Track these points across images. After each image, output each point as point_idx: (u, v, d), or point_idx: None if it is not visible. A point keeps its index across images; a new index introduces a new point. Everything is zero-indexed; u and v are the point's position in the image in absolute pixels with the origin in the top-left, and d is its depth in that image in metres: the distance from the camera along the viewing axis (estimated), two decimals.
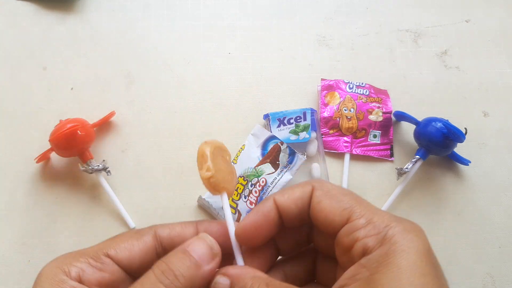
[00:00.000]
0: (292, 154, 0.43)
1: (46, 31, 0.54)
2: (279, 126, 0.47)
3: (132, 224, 0.46)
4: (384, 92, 0.52)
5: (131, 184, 0.48)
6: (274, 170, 0.42)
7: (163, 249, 0.28)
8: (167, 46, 0.54)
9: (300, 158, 0.43)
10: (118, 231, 0.46)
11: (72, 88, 0.52)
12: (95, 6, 0.56)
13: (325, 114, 0.50)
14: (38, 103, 0.51)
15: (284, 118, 0.48)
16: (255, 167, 0.41)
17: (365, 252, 0.23)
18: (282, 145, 0.42)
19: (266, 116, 0.48)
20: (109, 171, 0.47)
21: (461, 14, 0.58)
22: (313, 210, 0.25)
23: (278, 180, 0.42)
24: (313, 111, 0.49)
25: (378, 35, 0.56)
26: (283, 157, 0.43)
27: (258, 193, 0.40)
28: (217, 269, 0.26)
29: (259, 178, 0.41)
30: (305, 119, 0.48)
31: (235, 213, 0.41)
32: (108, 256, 0.26)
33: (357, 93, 0.51)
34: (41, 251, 0.45)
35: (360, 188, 0.49)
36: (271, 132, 0.47)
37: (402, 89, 0.53)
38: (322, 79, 0.52)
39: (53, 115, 0.50)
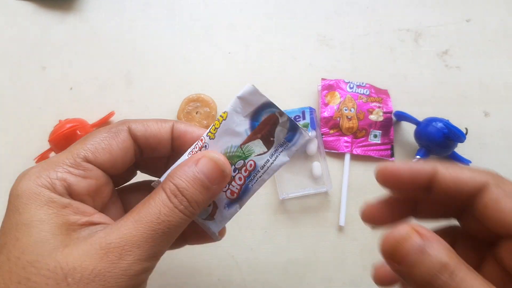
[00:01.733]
0: (293, 129, 0.29)
1: (45, 30, 0.54)
2: None
3: None
4: (385, 92, 0.52)
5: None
6: (266, 150, 0.29)
7: (138, 147, 0.26)
8: (167, 46, 0.54)
9: (303, 135, 0.29)
10: None
11: (71, 88, 0.52)
12: (94, 6, 0.56)
13: (326, 114, 0.50)
14: (37, 103, 0.51)
15: None
16: (241, 145, 0.28)
17: None
18: (281, 116, 0.28)
19: None
20: None
21: (461, 14, 0.58)
22: (487, 208, 0.22)
23: (271, 164, 0.29)
24: (312, 110, 0.48)
25: (378, 35, 0.56)
26: (280, 133, 0.29)
27: (243, 180, 0.28)
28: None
29: (246, 161, 0.28)
30: (304, 118, 0.48)
31: (209, 205, 0.28)
32: (87, 161, 0.24)
33: (358, 93, 0.51)
34: None
35: (360, 188, 0.48)
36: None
37: (403, 89, 0.53)
38: (322, 79, 0.52)
39: (52, 115, 0.50)
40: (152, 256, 0.22)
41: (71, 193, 0.23)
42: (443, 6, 0.58)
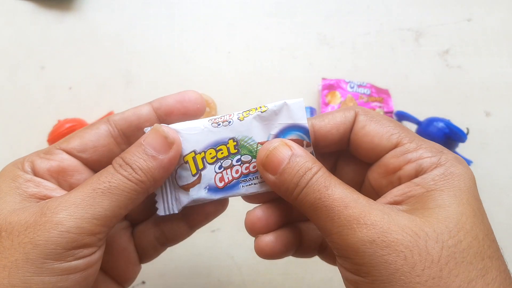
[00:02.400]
0: None
1: (44, 30, 0.54)
2: None
3: None
4: (386, 92, 0.52)
5: None
6: None
7: (123, 134, 0.27)
8: (166, 46, 0.54)
9: None
10: None
11: (70, 88, 0.52)
12: (93, 5, 0.56)
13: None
14: (36, 103, 0.51)
15: None
16: (258, 143, 0.27)
17: (418, 173, 0.23)
18: (307, 146, 0.27)
19: None
20: None
21: (462, 13, 0.57)
22: (357, 134, 0.26)
23: None
24: (312, 110, 0.48)
25: (379, 34, 0.56)
26: None
27: (239, 174, 0.27)
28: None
29: (252, 160, 0.27)
30: None
31: (195, 174, 0.27)
32: (60, 148, 0.26)
33: (358, 92, 0.51)
34: None
35: None
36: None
37: (404, 88, 0.53)
38: (323, 79, 0.52)
39: (51, 115, 0.50)
40: (92, 218, 0.22)
41: (35, 171, 0.25)
42: (444, 5, 0.58)
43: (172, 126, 0.26)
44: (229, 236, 0.46)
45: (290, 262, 0.45)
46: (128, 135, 0.27)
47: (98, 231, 0.23)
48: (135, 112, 0.27)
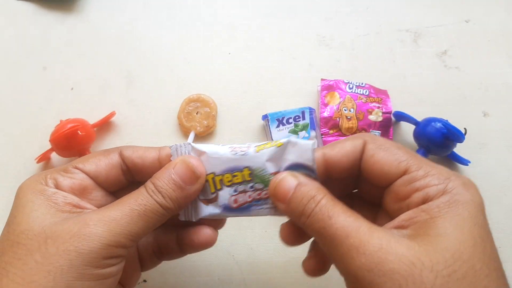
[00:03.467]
0: None
1: (46, 31, 0.54)
2: (278, 126, 0.48)
3: None
4: (384, 92, 0.52)
5: None
6: None
7: (126, 167, 0.30)
8: (167, 46, 0.54)
9: None
10: None
11: (72, 88, 0.52)
12: (95, 6, 0.56)
13: (325, 114, 0.50)
14: (38, 103, 0.51)
15: (283, 118, 0.48)
16: (270, 173, 0.29)
17: (425, 201, 0.24)
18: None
19: (265, 117, 0.49)
20: None
21: (461, 14, 0.58)
22: (367, 162, 0.27)
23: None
24: (311, 110, 0.49)
25: (378, 35, 0.56)
26: None
27: (251, 199, 0.30)
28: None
29: (264, 188, 0.30)
30: (303, 118, 0.48)
31: (213, 193, 0.31)
32: (76, 168, 0.29)
33: (357, 93, 0.51)
34: None
35: None
36: (270, 133, 0.47)
37: (402, 89, 0.53)
38: (322, 79, 0.52)
39: (53, 115, 0.50)
40: (127, 234, 0.25)
41: (58, 187, 0.28)
42: (443, 6, 0.58)
43: (200, 146, 0.30)
44: (230, 234, 0.46)
45: (290, 261, 0.46)
46: (132, 170, 0.31)
47: (130, 245, 0.26)
48: (142, 156, 0.30)
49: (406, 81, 0.54)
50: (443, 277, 0.20)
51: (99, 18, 0.55)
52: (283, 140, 0.29)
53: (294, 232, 0.30)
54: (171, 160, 0.29)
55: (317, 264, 0.31)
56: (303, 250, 0.47)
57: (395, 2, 0.58)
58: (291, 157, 0.29)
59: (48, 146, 0.46)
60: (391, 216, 0.27)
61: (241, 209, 0.31)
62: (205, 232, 0.32)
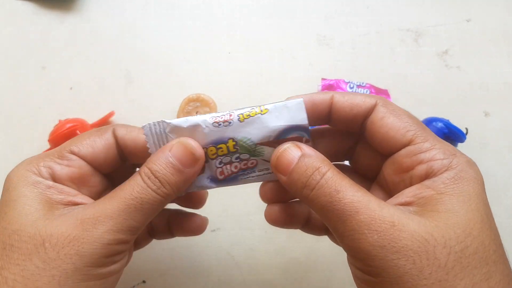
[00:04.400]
0: None
1: (45, 30, 0.54)
2: None
3: None
4: (385, 92, 0.52)
5: None
6: None
7: (120, 148, 0.29)
8: (167, 46, 0.54)
9: None
10: None
11: (71, 88, 0.52)
12: (94, 6, 0.56)
13: None
14: (37, 103, 0.51)
15: None
16: (257, 143, 0.28)
17: (428, 175, 0.24)
18: (306, 142, 0.28)
19: None
20: None
21: (462, 14, 0.58)
22: (374, 124, 0.26)
23: (269, 173, 0.29)
24: None
25: (378, 35, 0.56)
26: None
27: (237, 169, 0.29)
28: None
29: (252, 158, 0.28)
30: None
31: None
32: (72, 152, 0.27)
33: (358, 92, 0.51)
34: None
35: None
36: None
37: (403, 88, 0.53)
38: (322, 79, 0.52)
39: (52, 115, 0.50)
40: (126, 230, 0.24)
41: (54, 178, 0.26)
42: (443, 6, 0.58)
43: (176, 122, 0.28)
44: (229, 235, 0.46)
45: (290, 261, 0.45)
46: (125, 152, 0.29)
47: (130, 239, 0.25)
48: (135, 139, 0.28)
49: (407, 81, 0.54)
50: (456, 253, 0.21)
51: (98, 18, 0.55)
52: (269, 106, 0.27)
53: (274, 189, 0.29)
54: (146, 142, 0.28)
55: (281, 213, 0.30)
56: (303, 250, 0.47)
57: (396, 1, 0.58)
58: (283, 121, 0.27)
59: (47, 146, 0.46)
60: (390, 189, 0.26)
61: (228, 180, 0.29)
62: (195, 220, 0.32)
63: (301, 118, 0.27)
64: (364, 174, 0.30)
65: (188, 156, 0.26)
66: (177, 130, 0.28)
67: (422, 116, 0.48)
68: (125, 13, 0.56)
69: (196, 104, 0.50)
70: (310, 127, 0.28)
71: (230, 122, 0.28)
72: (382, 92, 0.52)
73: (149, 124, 0.28)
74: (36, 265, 0.22)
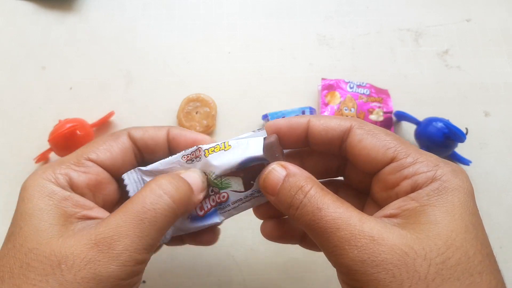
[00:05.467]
0: None
1: (45, 30, 0.54)
2: None
3: None
4: (385, 92, 0.52)
5: None
6: (243, 190, 0.29)
7: (138, 150, 0.29)
8: (167, 46, 0.54)
9: None
10: None
11: (71, 88, 0.52)
12: (94, 6, 0.56)
13: (326, 114, 0.50)
14: (37, 103, 0.51)
15: (283, 118, 0.48)
16: (222, 176, 0.28)
17: (413, 189, 0.24)
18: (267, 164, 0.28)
19: (265, 117, 0.48)
20: None
21: (462, 14, 0.58)
22: (354, 147, 0.26)
23: (243, 203, 0.30)
24: (312, 110, 0.48)
25: (378, 35, 0.56)
26: None
27: (215, 202, 0.29)
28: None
29: (221, 191, 0.29)
30: None
31: None
32: (90, 159, 0.27)
33: (358, 92, 0.51)
34: None
35: None
36: None
37: (403, 88, 0.53)
38: (322, 79, 0.52)
39: (52, 115, 0.50)
40: (142, 248, 0.24)
41: (72, 186, 0.26)
42: (444, 6, 0.58)
43: (151, 167, 0.29)
44: (230, 235, 0.46)
45: (290, 261, 0.45)
46: (144, 153, 0.30)
47: (147, 258, 0.25)
48: (153, 137, 0.29)
49: (407, 81, 0.54)
50: (437, 265, 0.20)
51: (98, 18, 0.55)
52: (232, 143, 0.28)
53: (276, 227, 0.30)
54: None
55: (275, 228, 0.30)
56: (303, 250, 0.47)
57: (396, 1, 0.58)
58: (242, 156, 0.28)
59: (47, 146, 0.46)
60: (380, 205, 0.26)
61: (208, 216, 0.30)
62: (209, 232, 0.32)
63: (257, 150, 0.27)
64: (358, 189, 0.30)
65: (200, 182, 0.28)
66: (154, 173, 0.29)
67: (422, 116, 0.48)
68: (125, 13, 0.56)
69: (196, 104, 0.50)
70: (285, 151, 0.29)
71: (199, 158, 0.28)
72: (382, 92, 0.52)
73: (126, 174, 0.29)
74: (52, 287, 0.22)
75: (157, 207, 0.24)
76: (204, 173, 0.28)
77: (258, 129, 0.30)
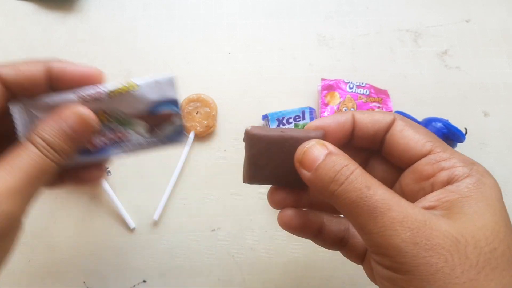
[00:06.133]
0: (179, 132, 0.30)
1: (46, 31, 0.54)
2: (278, 126, 0.48)
3: (132, 224, 0.46)
4: (385, 92, 0.52)
5: (131, 184, 0.48)
6: (145, 134, 0.30)
7: (8, 91, 0.27)
8: (167, 46, 0.54)
9: (181, 142, 0.31)
10: (118, 231, 0.46)
11: None
12: (94, 6, 0.56)
13: (326, 114, 0.50)
14: None
15: (283, 118, 0.48)
16: (128, 115, 0.28)
17: (450, 181, 0.24)
18: (178, 118, 0.29)
19: (265, 117, 0.48)
20: (109, 171, 0.47)
21: (461, 14, 0.58)
22: (393, 136, 0.27)
23: (140, 147, 0.30)
24: (311, 110, 0.49)
25: (378, 35, 0.56)
26: (166, 129, 0.30)
27: (108, 140, 0.29)
28: None
29: (123, 129, 0.29)
30: (304, 118, 0.48)
31: None
32: None
33: (358, 93, 0.51)
34: (41, 251, 0.45)
35: None
36: None
37: (403, 89, 0.53)
38: (322, 79, 0.52)
39: None
40: (30, 202, 0.25)
41: None
42: (443, 6, 0.58)
43: (47, 99, 0.27)
44: (229, 235, 0.46)
45: (290, 261, 0.45)
46: (14, 91, 0.27)
47: (26, 210, 0.25)
48: (29, 77, 0.27)
49: (407, 81, 0.54)
50: (485, 254, 0.21)
51: (99, 18, 0.55)
52: (139, 81, 0.28)
53: (295, 216, 0.29)
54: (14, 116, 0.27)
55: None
56: (303, 250, 0.47)
57: (395, 2, 0.58)
58: (152, 96, 0.28)
59: None
60: (409, 199, 0.26)
61: (99, 152, 0.29)
62: (93, 169, 0.30)
63: (172, 93, 0.28)
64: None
65: (84, 126, 0.26)
66: (45, 106, 0.27)
67: (421, 116, 0.49)
68: (125, 13, 0.56)
69: (196, 104, 0.50)
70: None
71: (100, 99, 0.27)
72: (382, 92, 0.52)
73: (13, 106, 0.27)
74: None
75: (44, 168, 0.24)
76: (104, 111, 0.28)
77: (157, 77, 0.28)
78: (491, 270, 0.21)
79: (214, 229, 0.47)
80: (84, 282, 0.44)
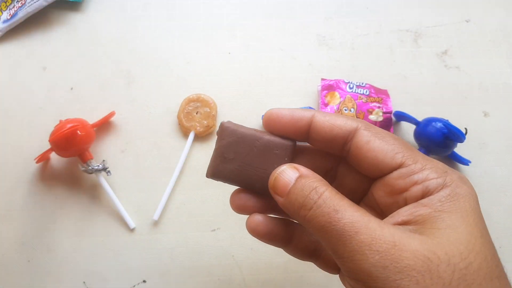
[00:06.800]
0: None
1: (46, 30, 0.54)
2: None
3: (132, 224, 0.46)
4: (384, 92, 0.52)
5: (131, 184, 0.48)
6: None
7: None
8: (167, 46, 0.54)
9: None
10: (118, 231, 0.46)
11: (72, 88, 0.52)
12: (95, 6, 0.56)
13: None
14: (38, 103, 0.51)
15: None
16: None
17: (424, 195, 0.24)
18: None
19: None
20: (109, 171, 0.47)
21: (461, 14, 0.58)
22: (360, 149, 0.25)
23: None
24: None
25: (378, 35, 0.56)
26: None
27: (19, 4, 0.38)
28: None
29: None
30: None
31: None
32: None
33: (357, 93, 0.51)
34: (41, 251, 0.45)
35: None
36: None
37: (402, 89, 0.53)
38: (322, 79, 0.52)
39: (53, 115, 0.50)
40: None
41: None
42: (443, 6, 0.58)
43: None
44: (229, 235, 0.46)
45: (290, 261, 0.45)
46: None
47: None
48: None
49: (407, 81, 0.54)
50: (460, 270, 0.20)
51: (99, 18, 0.55)
52: None
53: (263, 223, 0.28)
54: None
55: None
56: None
57: (395, 2, 0.58)
58: None
59: (48, 146, 0.46)
60: (382, 210, 0.26)
61: (14, 16, 0.36)
62: None
63: None
64: (350, 193, 0.29)
65: None
66: None
67: (421, 116, 0.49)
68: (125, 14, 0.56)
69: (196, 104, 0.50)
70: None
71: None
72: (382, 92, 0.52)
73: None
74: None
75: None
76: None
77: None
78: (466, 286, 0.20)
79: (214, 229, 0.47)
80: (84, 282, 0.44)
